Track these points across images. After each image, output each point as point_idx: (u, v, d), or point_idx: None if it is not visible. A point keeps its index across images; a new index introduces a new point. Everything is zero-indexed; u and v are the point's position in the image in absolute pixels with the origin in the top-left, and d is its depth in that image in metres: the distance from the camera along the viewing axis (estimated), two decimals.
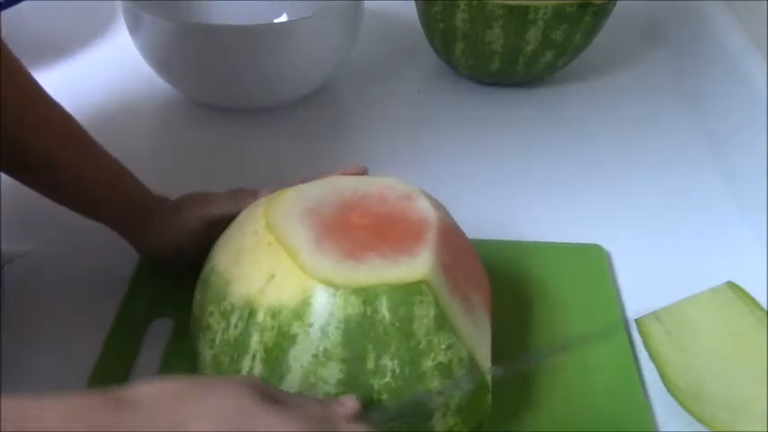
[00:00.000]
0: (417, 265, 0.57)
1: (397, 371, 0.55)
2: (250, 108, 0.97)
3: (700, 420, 0.64)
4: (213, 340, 0.58)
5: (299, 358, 0.55)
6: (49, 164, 0.69)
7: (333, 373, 0.55)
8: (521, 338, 0.71)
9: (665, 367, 0.67)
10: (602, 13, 0.96)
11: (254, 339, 0.56)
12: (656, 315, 0.71)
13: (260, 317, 0.56)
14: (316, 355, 0.55)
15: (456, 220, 0.66)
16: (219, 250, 0.62)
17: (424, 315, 0.55)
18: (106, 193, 0.72)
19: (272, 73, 0.93)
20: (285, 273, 0.56)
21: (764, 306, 0.71)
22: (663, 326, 0.70)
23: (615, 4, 0.98)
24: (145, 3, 0.91)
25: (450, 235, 0.62)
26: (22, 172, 0.70)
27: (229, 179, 0.88)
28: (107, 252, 0.77)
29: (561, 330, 0.72)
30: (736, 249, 0.81)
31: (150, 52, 0.94)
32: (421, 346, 0.55)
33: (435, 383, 0.56)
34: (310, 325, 0.55)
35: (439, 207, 0.64)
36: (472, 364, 0.57)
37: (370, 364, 0.55)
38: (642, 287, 0.76)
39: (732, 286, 0.72)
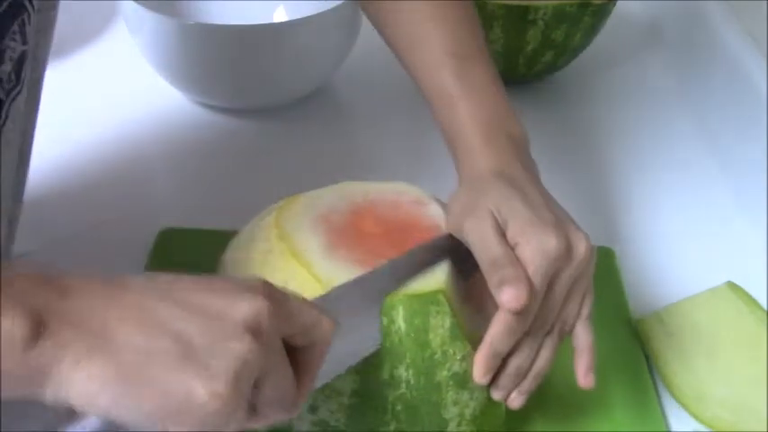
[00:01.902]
0: (433, 275, 0.56)
1: (412, 381, 0.54)
2: (250, 108, 0.97)
3: (700, 421, 0.64)
4: None
5: None
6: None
7: (347, 383, 0.54)
8: None
9: (665, 367, 0.67)
10: (602, 13, 0.96)
11: None
12: (656, 315, 0.71)
13: None
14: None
15: None
16: (230, 260, 0.61)
17: (440, 325, 0.55)
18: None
19: (272, 73, 0.93)
20: (298, 282, 0.55)
21: (764, 306, 0.71)
22: (663, 326, 0.70)
23: (615, 4, 0.98)
24: (145, 2, 0.91)
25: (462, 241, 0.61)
26: None
27: (229, 178, 0.89)
28: (111, 254, 0.77)
29: None
30: (736, 249, 0.81)
31: (151, 52, 0.94)
32: (436, 356, 0.55)
33: (450, 393, 0.55)
34: None
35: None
36: None
37: (386, 375, 0.54)
38: (642, 287, 0.76)
39: (732, 286, 0.72)
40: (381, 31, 0.70)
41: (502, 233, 0.55)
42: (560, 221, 0.56)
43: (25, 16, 0.52)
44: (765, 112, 0.82)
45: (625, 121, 1.00)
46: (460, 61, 0.64)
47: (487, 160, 0.60)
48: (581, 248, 0.55)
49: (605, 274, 0.76)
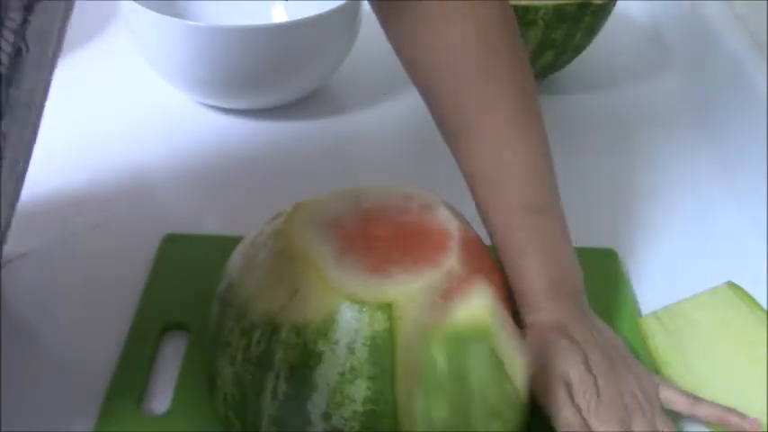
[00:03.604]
0: (476, 304, 0.56)
1: (447, 418, 0.54)
2: (250, 108, 0.97)
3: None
4: (234, 357, 0.57)
5: (326, 376, 0.54)
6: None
7: (360, 391, 0.54)
8: None
9: (665, 367, 0.67)
10: (602, 13, 0.96)
11: (278, 357, 0.55)
12: (656, 315, 0.71)
13: (283, 334, 0.55)
14: (342, 374, 0.54)
15: None
16: (237, 266, 0.61)
17: (481, 365, 0.55)
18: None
19: (272, 73, 0.93)
20: (308, 288, 0.55)
21: (764, 306, 0.71)
22: (663, 326, 0.70)
23: (615, 4, 0.98)
24: (145, 2, 0.91)
25: (472, 246, 0.61)
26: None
27: (229, 179, 0.89)
28: (112, 255, 0.77)
29: None
30: (736, 249, 0.81)
31: (151, 52, 0.94)
32: (474, 396, 0.55)
33: (482, 425, 0.55)
34: (336, 342, 0.54)
35: (459, 217, 0.63)
36: None
37: (421, 411, 0.54)
38: (642, 287, 0.76)
39: (732, 286, 0.72)
40: (456, 159, 0.70)
41: (571, 396, 0.60)
42: (618, 382, 0.61)
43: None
44: (765, 112, 0.82)
45: (625, 121, 1.00)
46: (535, 216, 0.66)
47: (551, 315, 0.64)
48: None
49: (609, 276, 0.76)
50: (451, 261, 0.58)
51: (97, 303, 0.73)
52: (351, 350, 0.54)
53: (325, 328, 0.54)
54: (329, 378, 0.54)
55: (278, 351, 0.55)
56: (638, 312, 0.73)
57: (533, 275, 0.64)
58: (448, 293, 0.56)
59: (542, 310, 0.64)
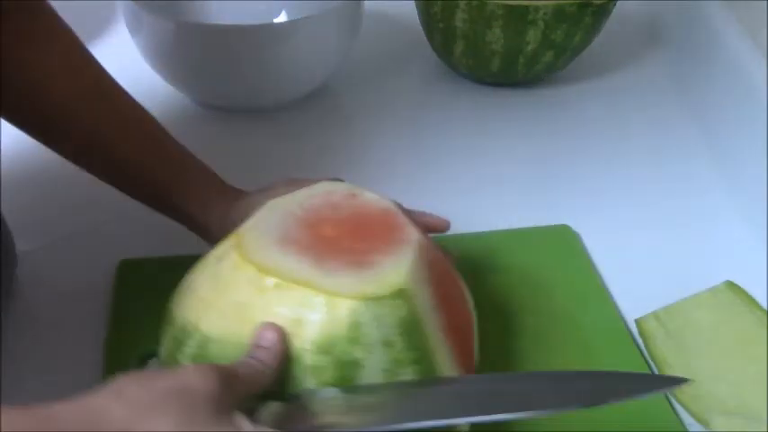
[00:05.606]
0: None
1: None
2: (250, 108, 0.97)
3: (699, 420, 0.64)
4: (251, 409, 0.54)
5: (370, 380, 0.53)
6: (131, 164, 0.74)
7: (409, 378, 0.54)
8: (506, 325, 0.71)
9: (665, 367, 0.67)
10: (602, 13, 0.96)
11: (310, 384, 0.54)
12: (656, 315, 0.71)
13: (307, 360, 0.53)
14: (387, 370, 0.54)
15: (455, 216, 0.66)
16: (201, 317, 0.57)
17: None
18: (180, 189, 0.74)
19: (272, 73, 0.93)
20: (314, 307, 0.53)
21: (764, 306, 0.71)
22: (663, 326, 0.70)
23: (615, 4, 0.98)
24: (145, 3, 0.91)
25: (410, 214, 0.63)
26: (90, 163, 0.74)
27: (229, 179, 0.88)
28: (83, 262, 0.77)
29: (546, 309, 0.73)
30: (736, 249, 0.81)
31: (150, 52, 0.94)
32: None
33: None
34: (371, 344, 0.53)
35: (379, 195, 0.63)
36: None
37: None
38: (641, 287, 0.76)
39: (732, 286, 0.72)
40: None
41: None
42: None
43: None
44: (765, 112, 0.82)
45: (625, 121, 1.00)
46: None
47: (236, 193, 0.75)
48: None
49: (572, 252, 0.79)
50: (413, 232, 0.58)
51: (64, 339, 0.71)
52: (387, 344, 0.53)
53: (354, 335, 0.53)
54: (374, 380, 0.54)
55: (307, 379, 0.54)
56: (626, 311, 0.74)
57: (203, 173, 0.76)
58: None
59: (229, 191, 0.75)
